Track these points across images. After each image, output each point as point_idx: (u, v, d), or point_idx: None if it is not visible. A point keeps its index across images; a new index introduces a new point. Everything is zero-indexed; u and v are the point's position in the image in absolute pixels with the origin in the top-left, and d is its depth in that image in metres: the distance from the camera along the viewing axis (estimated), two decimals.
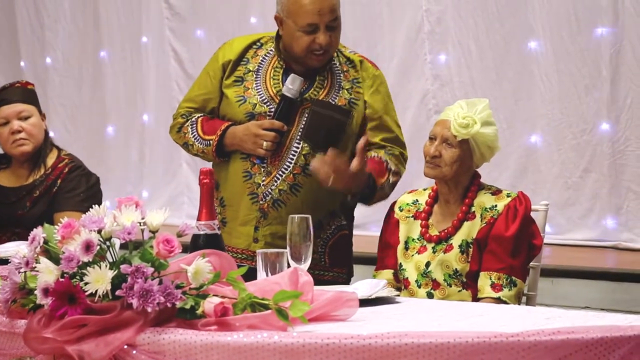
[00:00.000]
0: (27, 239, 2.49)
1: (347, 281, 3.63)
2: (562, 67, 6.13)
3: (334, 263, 3.62)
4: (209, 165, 3.67)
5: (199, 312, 2.32)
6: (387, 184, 3.54)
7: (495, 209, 3.30)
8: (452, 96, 6.37)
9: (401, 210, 3.45)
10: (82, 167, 4.16)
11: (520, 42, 6.25)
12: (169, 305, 2.28)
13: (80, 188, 4.10)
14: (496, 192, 3.36)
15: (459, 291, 3.30)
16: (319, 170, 3.39)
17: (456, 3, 6.46)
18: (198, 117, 3.67)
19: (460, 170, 3.32)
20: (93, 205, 2.47)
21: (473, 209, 3.34)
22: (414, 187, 3.59)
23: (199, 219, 2.79)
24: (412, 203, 3.45)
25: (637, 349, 2.27)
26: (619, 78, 5.98)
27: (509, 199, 3.32)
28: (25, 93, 4.13)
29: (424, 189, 3.49)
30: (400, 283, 3.39)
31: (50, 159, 4.14)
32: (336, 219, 3.60)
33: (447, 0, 6.49)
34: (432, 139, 3.36)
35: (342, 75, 3.61)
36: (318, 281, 2.53)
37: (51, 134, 4.39)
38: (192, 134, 3.65)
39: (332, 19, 3.48)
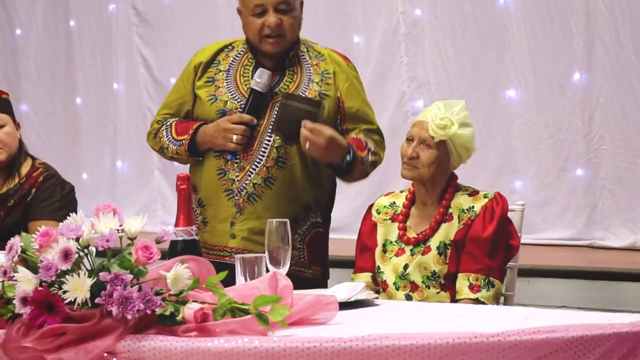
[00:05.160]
0: (2, 249, 2.47)
1: (322, 280, 3.63)
2: (537, 66, 6.16)
3: (312, 260, 3.62)
4: (186, 171, 3.66)
5: (179, 318, 2.31)
6: (367, 160, 3.56)
7: (473, 210, 3.31)
8: (429, 97, 6.39)
9: (378, 213, 3.45)
10: (57, 176, 4.14)
11: (495, 42, 6.27)
12: (148, 312, 2.27)
13: (55, 197, 4.07)
14: (473, 193, 3.36)
15: (437, 293, 3.30)
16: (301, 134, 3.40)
17: (432, 4, 6.48)
18: (172, 121, 3.70)
19: (437, 172, 3.32)
20: (69, 214, 2.46)
21: (450, 210, 3.34)
22: (391, 189, 3.59)
23: (176, 224, 2.78)
24: (389, 205, 3.45)
25: (616, 347, 2.28)
26: (592, 77, 6.01)
27: (486, 199, 3.32)
28: None
29: (401, 191, 3.49)
30: (378, 286, 3.38)
31: (25, 168, 4.11)
32: (311, 214, 3.61)
33: (423, 1, 6.51)
34: (409, 140, 3.36)
35: (311, 68, 3.64)
36: (299, 278, 2.53)
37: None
38: (166, 137, 3.67)
39: (280, 1, 3.51)
